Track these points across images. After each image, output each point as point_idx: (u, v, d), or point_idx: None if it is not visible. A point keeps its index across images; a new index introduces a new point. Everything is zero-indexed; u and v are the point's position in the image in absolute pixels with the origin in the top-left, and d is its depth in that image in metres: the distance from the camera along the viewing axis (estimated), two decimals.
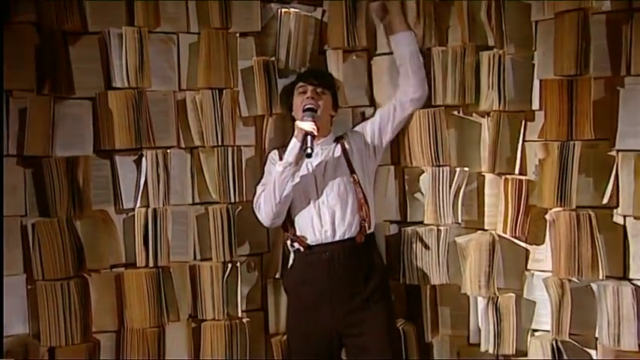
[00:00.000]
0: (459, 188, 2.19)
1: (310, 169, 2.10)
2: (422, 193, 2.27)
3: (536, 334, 2.13)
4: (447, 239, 2.20)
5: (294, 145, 2.00)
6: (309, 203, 2.08)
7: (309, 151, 1.95)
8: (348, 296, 2.02)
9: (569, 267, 1.99)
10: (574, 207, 1.99)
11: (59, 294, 2.00)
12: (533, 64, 2.13)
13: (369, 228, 2.09)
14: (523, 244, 2.17)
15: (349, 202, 2.06)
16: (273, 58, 2.29)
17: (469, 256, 2.15)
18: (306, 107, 2.04)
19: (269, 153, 2.24)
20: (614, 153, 2.01)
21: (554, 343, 2.05)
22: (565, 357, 2.05)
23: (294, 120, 2.14)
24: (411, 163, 2.28)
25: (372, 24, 2.30)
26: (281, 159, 2.08)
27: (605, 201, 2.02)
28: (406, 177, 2.31)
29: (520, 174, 2.15)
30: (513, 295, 2.15)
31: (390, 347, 2.05)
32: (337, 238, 2.04)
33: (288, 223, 2.13)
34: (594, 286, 2.01)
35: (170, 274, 2.19)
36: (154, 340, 2.14)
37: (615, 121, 1.99)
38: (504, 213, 2.12)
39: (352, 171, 2.09)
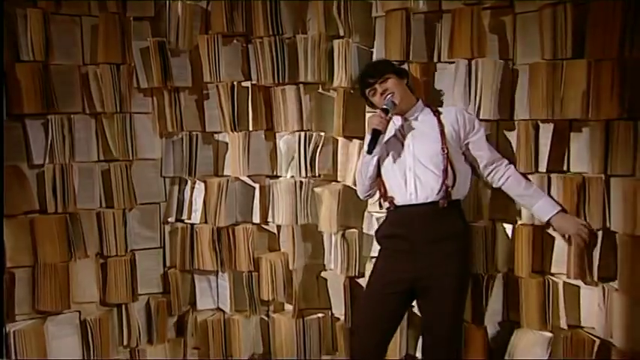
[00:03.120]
0: (315, 148, 2.48)
1: (401, 137, 2.09)
2: (282, 152, 2.58)
3: (372, 260, 2.46)
4: (307, 189, 2.49)
5: (367, 138, 2.03)
6: (398, 168, 2.06)
7: (365, 147, 2.02)
8: (425, 253, 1.99)
9: None
10: None
11: None
12: (372, 52, 2.42)
13: (455, 195, 2.03)
14: None
15: (435, 169, 2.01)
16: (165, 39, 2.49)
17: (324, 202, 2.45)
18: (382, 107, 2.04)
19: None
20: None
21: None
22: None
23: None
24: (283, 129, 2.56)
25: (249, 12, 2.49)
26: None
27: None
28: (277, 140, 2.59)
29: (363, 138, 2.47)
30: (356, 230, 2.46)
31: (449, 318, 2.01)
32: (420, 201, 2.00)
33: (381, 184, 2.15)
34: None
35: (78, 219, 2.40)
36: (64, 272, 2.36)
37: (432, 96, 2.35)
38: (352, 169, 2.44)
39: (443, 142, 2.03)
